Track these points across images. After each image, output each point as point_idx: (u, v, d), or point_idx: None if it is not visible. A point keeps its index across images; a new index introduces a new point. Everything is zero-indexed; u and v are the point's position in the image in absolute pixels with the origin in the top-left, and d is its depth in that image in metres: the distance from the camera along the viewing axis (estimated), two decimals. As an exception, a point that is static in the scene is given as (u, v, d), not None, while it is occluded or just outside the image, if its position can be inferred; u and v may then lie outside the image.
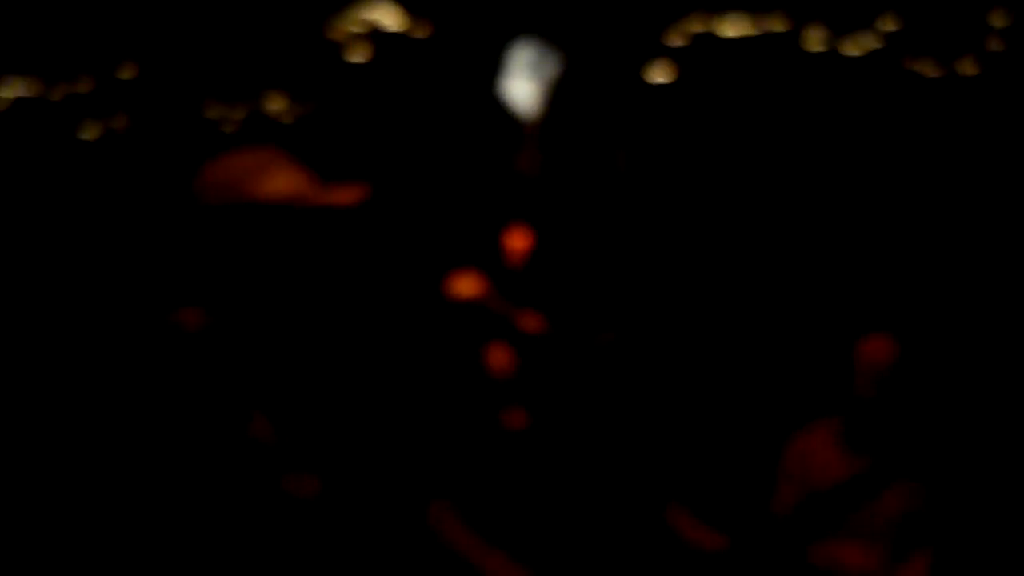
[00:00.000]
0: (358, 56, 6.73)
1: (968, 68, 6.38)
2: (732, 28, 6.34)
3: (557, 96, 6.49)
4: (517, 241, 5.59)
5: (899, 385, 4.82)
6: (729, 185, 6.65)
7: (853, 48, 6.34)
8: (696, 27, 6.35)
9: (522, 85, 6.55)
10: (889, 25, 6.29)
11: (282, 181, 2.18)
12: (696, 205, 6.68)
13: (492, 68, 6.56)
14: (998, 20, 6.35)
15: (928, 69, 6.42)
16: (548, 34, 6.55)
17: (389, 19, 6.74)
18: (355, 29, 6.69)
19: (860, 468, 4.70)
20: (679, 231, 6.68)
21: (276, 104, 7.22)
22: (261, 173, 2.20)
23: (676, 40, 6.39)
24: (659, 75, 6.40)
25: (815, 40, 6.29)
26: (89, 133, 7.49)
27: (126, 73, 7.10)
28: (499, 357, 5.05)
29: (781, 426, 5.07)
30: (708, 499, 4.84)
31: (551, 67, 6.50)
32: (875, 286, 6.38)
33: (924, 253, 6.51)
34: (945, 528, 4.78)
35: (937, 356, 5.84)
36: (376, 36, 6.69)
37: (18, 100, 7.37)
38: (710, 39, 6.31)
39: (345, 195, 2.20)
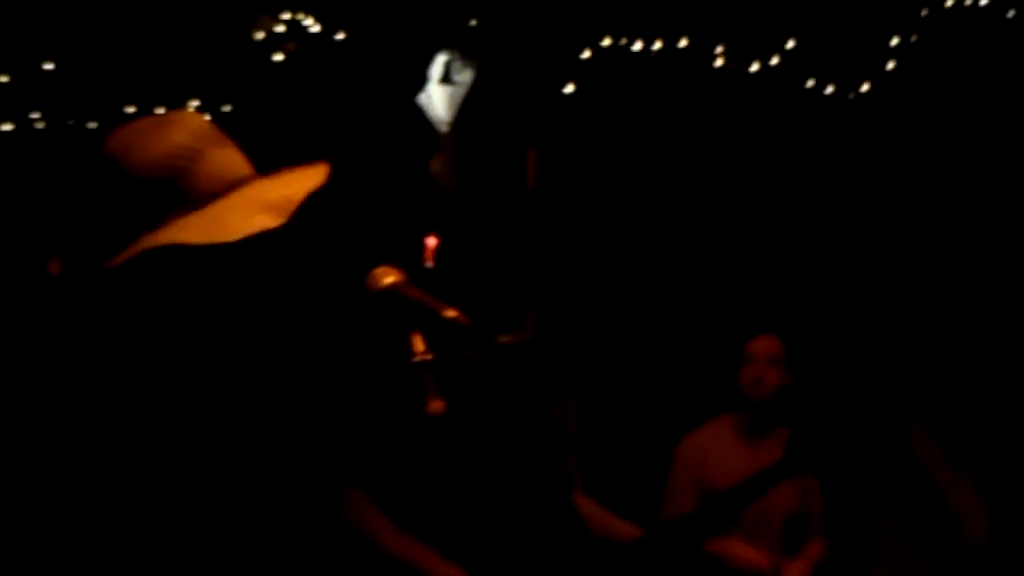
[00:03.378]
0: (278, 56, 6.80)
1: (865, 87, 6.62)
2: (640, 42, 6.51)
3: (472, 103, 6.61)
4: (432, 241, 5.75)
5: (791, 385, 5.04)
6: (635, 193, 6.84)
7: (756, 64, 6.55)
8: (607, 40, 6.51)
9: (438, 91, 6.67)
10: (792, 43, 6.51)
11: (182, 133, 2.23)
12: (604, 212, 6.85)
13: (409, 74, 6.66)
14: (894, 39, 6.60)
15: (827, 87, 6.65)
16: (464, 42, 6.67)
17: (308, 20, 6.83)
18: (276, 28, 6.76)
19: (755, 465, 4.89)
20: (586, 237, 6.86)
21: (193, 104, 7.25)
22: (163, 127, 2.24)
23: (587, 52, 6.55)
24: (571, 85, 6.57)
25: (721, 56, 6.49)
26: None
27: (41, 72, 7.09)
28: (418, 346, 5.17)
29: (678, 423, 5.26)
30: (614, 491, 5.01)
31: (466, 74, 6.62)
32: (762, 290, 6.60)
33: (810, 260, 6.76)
34: (836, 524, 5.00)
35: (822, 356, 6.08)
36: (295, 37, 6.77)
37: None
38: (621, 51, 6.48)
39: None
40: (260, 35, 6.75)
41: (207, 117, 2.38)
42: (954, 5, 6.65)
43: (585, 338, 6.59)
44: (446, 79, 6.67)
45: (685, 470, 5.02)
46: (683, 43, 6.37)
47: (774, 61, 6.45)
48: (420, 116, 6.60)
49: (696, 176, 6.78)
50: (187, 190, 2.18)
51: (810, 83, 6.55)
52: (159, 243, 2.11)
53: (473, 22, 6.70)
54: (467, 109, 6.55)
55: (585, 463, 6.02)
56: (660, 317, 6.69)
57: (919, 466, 4.73)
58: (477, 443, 4.51)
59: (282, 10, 6.92)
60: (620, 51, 6.43)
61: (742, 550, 4.87)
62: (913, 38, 6.74)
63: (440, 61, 6.70)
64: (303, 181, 2.25)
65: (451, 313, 2.09)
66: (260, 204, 2.18)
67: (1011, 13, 6.66)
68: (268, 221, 2.16)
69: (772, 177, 6.77)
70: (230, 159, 2.25)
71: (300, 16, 6.92)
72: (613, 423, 6.38)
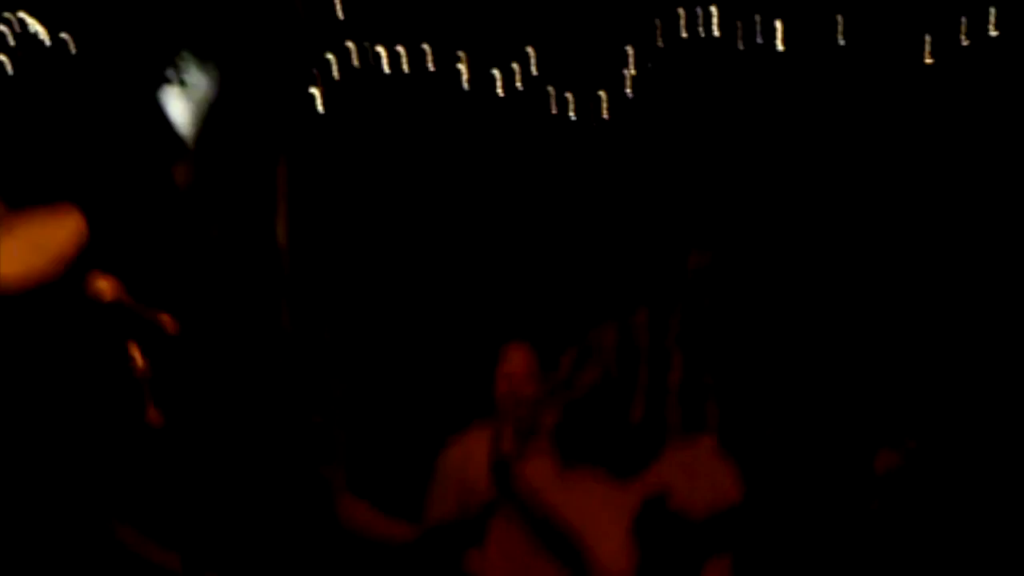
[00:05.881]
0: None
1: (605, 108, 6.77)
2: (387, 56, 6.51)
3: (214, 112, 6.48)
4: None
5: (547, 386, 5.06)
6: (390, 199, 6.82)
7: (503, 81, 6.63)
8: (355, 51, 6.48)
9: (179, 100, 6.51)
10: (534, 57, 6.62)
11: None
12: (359, 217, 6.81)
13: (150, 82, 6.50)
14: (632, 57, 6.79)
15: (571, 106, 6.78)
16: (201, 46, 6.54)
17: (38, 26, 6.58)
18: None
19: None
20: (341, 244, 6.79)
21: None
22: None
23: (334, 63, 6.50)
24: (319, 96, 6.50)
25: (468, 70, 6.53)
26: None
27: None
28: (136, 355, 5.00)
29: (439, 431, 5.23)
30: (384, 495, 4.94)
31: (209, 83, 6.49)
32: (520, 299, 6.65)
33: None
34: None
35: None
36: (25, 42, 6.51)
37: None
38: (371, 62, 6.45)
39: None
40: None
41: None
42: (689, 36, 6.89)
43: (348, 345, 6.51)
44: (183, 84, 6.53)
45: (448, 476, 5.01)
46: (429, 55, 6.39)
47: (519, 75, 6.55)
48: (163, 121, 6.42)
49: (452, 185, 6.80)
50: None
51: (553, 103, 6.68)
52: None
53: (211, 27, 6.57)
54: (211, 115, 6.40)
55: (354, 468, 5.94)
56: (423, 325, 6.67)
57: None
58: (224, 448, 4.40)
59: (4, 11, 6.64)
60: (369, 60, 6.40)
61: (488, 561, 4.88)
62: (649, 65, 6.95)
63: (177, 66, 6.55)
64: (59, 229, 2.19)
65: (160, 320, 2.07)
66: (28, 247, 2.13)
67: (740, 45, 6.94)
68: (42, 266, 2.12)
69: (521, 185, 6.86)
70: None
71: (24, 17, 6.65)
72: (380, 429, 6.32)
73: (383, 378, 6.49)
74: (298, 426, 4.52)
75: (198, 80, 6.52)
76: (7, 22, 6.65)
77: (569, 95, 6.73)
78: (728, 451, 4.39)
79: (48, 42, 6.61)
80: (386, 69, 6.50)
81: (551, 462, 4.31)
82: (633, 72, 6.70)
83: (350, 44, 6.45)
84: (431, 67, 6.48)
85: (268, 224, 6.56)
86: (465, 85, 6.55)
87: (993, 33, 6.51)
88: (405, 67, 6.46)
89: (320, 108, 6.59)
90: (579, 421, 4.27)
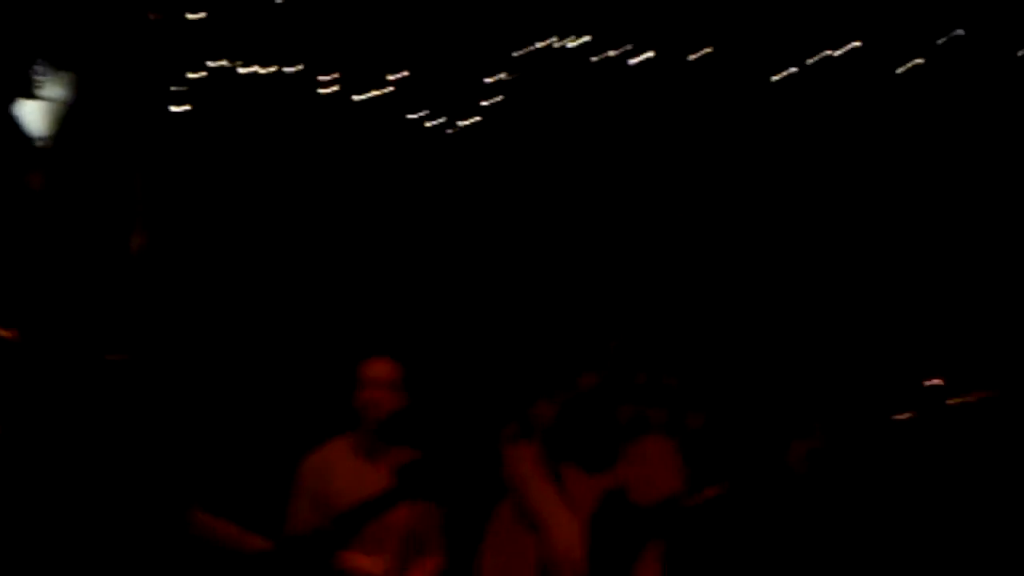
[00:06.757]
0: None
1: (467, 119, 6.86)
2: (248, 67, 6.51)
3: (69, 122, 6.41)
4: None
5: (407, 407, 5.13)
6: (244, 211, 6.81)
7: (361, 94, 6.67)
8: (217, 62, 6.47)
9: (30, 105, 6.43)
10: (400, 74, 6.67)
11: None
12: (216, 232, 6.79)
13: (3, 91, 6.40)
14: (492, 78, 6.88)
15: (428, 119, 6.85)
16: (62, 60, 6.47)
17: None
18: None
19: (373, 484, 4.96)
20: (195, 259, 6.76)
21: None
22: None
23: (195, 73, 6.48)
24: (177, 104, 6.48)
25: (329, 82, 6.56)
26: None
27: None
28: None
29: (298, 441, 5.26)
30: (242, 508, 4.94)
31: (64, 93, 6.42)
32: (381, 313, 6.69)
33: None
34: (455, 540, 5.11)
35: (440, 378, 6.21)
36: None
37: None
38: (229, 73, 6.44)
39: None
40: None
41: None
42: (545, 47, 7.00)
43: (203, 358, 6.47)
44: (37, 93, 6.45)
45: (306, 487, 5.05)
46: (295, 68, 6.41)
47: (382, 90, 6.59)
48: (16, 130, 6.32)
49: (308, 196, 6.82)
50: None
51: (415, 114, 6.74)
52: None
53: (66, 37, 6.50)
54: (66, 125, 6.33)
55: (212, 481, 5.91)
56: (280, 338, 6.66)
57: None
58: (66, 462, 4.39)
59: None
60: (231, 73, 6.39)
61: (359, 560, 4.94)
62: (507, 76, 7.04)
63: (32, 75, 6.47)
64: None
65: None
66: None
67: (594, 58, 7.08)
68: None
69: (381, 199, 6.90)
70: None
71: None
72: (238, 441, 6.30)
73: (236, 392, 6.49)
74: (146, 440, 4.51)
75: (53, 90, 6.44)
76: None
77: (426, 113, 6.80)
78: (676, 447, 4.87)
79: None
80: (243, 84, 6.50)
81: (536, 453, 4.71)
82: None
83: (209, 60, 6.43)
84: (289, 83, 6.50)
85: (122, 234, 6.51)
86: (323, 101, 6.57)
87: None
88: (262, 82, 6.47)
89: (176, 120, 6.56)
90: (569, 422, 4.70)
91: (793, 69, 6.76)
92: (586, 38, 6.97)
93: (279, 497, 5.05)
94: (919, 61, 6.83)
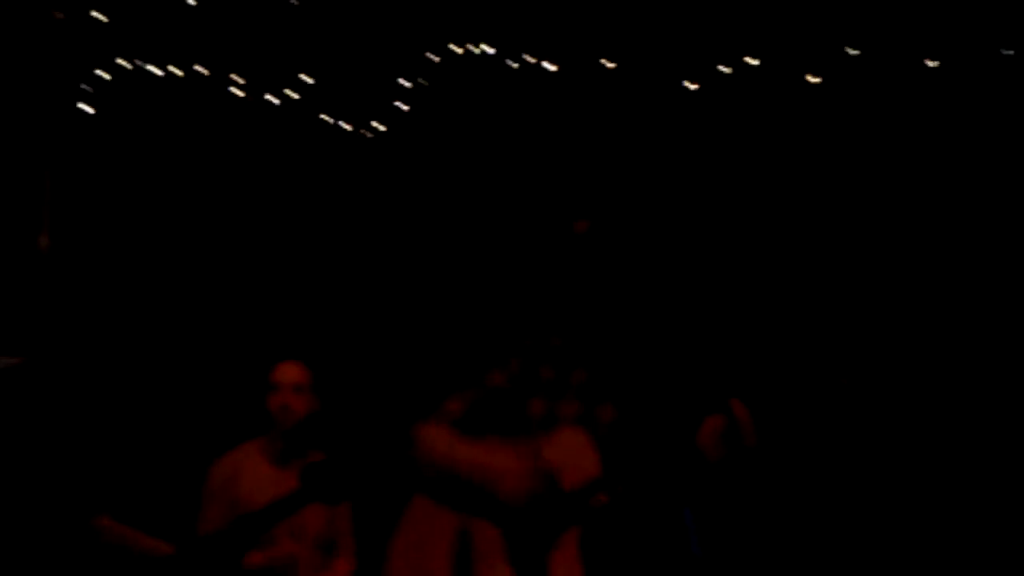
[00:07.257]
0: None
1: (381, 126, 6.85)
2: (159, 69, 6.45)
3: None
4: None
5: (318, 411, 5.10)
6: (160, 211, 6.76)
7: (276, 97, 6.64)
8: (122, 62, 6.41)
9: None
10: (309, 78, 6.64)
11: None
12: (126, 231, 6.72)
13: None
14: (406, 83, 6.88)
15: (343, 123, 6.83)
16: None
17: None
18: None
19: (284, 488, 4.92)
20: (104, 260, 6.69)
21: None
22: None
23: (104, 73, 6.42)
24: (87, 104, 6.42)
25: (239, 85, 6.52)
26: None
27: None
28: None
29: (208, 446, 5.22)
30: (145, 511, 4.89)
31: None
32: (293, 317, 6.65)
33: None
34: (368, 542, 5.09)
35: (351, 382, 6.19)
36: None
37: None
38: (140, 73, 6.39)
39: None
40: None
41: None
42: (464, 53, 7.01)
43: (110, 360, 6.40)
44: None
45: (217, 491, 5.01)
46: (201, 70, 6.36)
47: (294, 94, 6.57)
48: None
49: (220, 197, 6.77)
50: None
51: (328, 118, 6.72)
52: None
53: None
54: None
55: (120, 487, 5.85)
56: (189, 341, 6.60)
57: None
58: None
59: None
60: (142, 73, 6.34)
61: (264, 556, 4.91)
62: (423, 82, 7.04)
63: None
64: None
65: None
66: None
67: (514, 64, 7.10)
68: None
69: (292, 200, 6.87)
70: None
71: None
72: (147, 446, 6.23)
73: (144, 395, 6.43)
74: (53, 442, 4.46)
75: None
76: None
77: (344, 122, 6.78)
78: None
79: None
80: (154, 84, 6.45)
81: (448, 432, 4.57)
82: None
83: (121, 60, 6.37)
84: (201, 84, 6.45)
85: (30, 234, 6.44)
86: (236, 103, 6.53)
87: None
88: (176, 83, 6.42)
89: (87, 120, 6.50)
90: (478, 417, 4.56)
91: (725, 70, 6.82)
92: (499, 44, 6.99)
93: (189, 503, 5.00)
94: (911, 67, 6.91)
